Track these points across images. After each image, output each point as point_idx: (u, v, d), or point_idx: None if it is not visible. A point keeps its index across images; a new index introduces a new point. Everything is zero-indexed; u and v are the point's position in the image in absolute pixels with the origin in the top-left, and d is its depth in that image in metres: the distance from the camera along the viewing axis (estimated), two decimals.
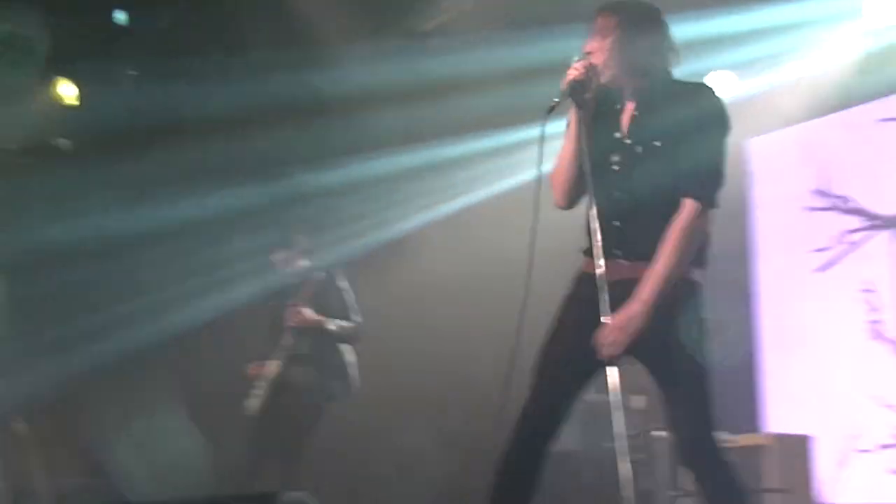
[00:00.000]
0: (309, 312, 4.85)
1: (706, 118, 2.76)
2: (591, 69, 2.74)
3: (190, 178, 5.84)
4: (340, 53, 6.01)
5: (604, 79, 2.78)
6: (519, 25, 5.48)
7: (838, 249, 5.59)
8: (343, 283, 5.09)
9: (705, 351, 2.77)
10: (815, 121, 5.51)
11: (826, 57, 5.27)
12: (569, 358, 2.78)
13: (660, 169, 2.76)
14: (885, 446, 5.06)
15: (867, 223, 5.47)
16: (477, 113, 6.06)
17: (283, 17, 5.86)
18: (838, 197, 5.73)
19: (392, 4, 6.23)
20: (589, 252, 2.76)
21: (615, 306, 2.66)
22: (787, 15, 4.86)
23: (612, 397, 2.60)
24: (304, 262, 5.09)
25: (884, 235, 5.38)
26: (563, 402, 2.82)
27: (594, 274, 2.67)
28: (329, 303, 4.96)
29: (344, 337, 4.96)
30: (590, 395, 5.50)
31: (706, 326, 2.79)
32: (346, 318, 4.97)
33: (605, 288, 2.62)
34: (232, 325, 5.78)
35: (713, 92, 2.82)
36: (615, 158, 2.84)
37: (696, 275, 2.81)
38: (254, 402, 4.90)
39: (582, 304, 2.76)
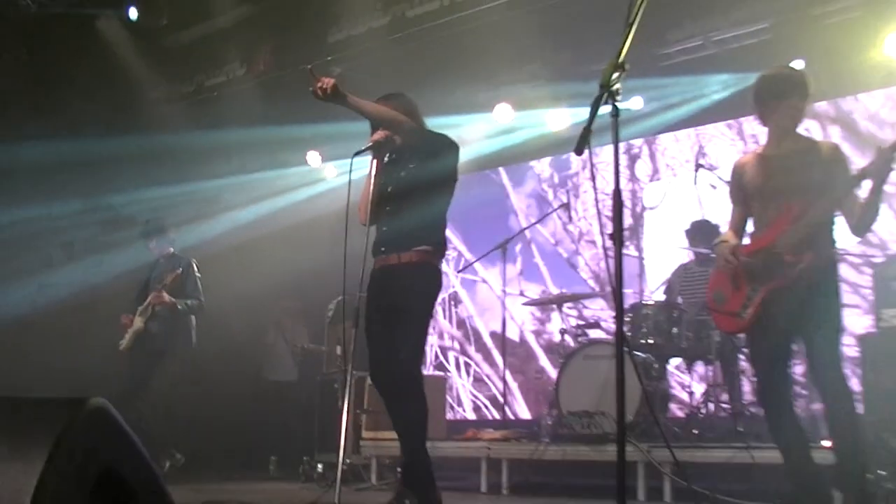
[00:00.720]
0: (167, 297, 6.42)
1: (446, 145, 3.84)
2: (388, 136, 3.76)
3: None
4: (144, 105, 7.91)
5: (397, 141, 3.79)
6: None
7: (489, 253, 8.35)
8: (197, 273, 6.70)
9: (429, 311, 3.75)
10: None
11: (470, 140, 7.83)
12: (374, 324, 3.70)
13: (416, 182, 3.68)
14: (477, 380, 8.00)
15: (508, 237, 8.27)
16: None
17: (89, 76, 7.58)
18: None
19: (187, 65, 8.07)
20: (374, 252, 3.77)
21: (383, 286, 3.66)
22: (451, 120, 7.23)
23: (348, 347, 3.67)
24: (171, 250, 6.83)
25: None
26: (382, 352, 3.70)
27: (379, 267, 3.70)
28: (186, 285, 6.60)
29: (190, 311, 6.63)
30: (307, 344, 7.81)
31: (435, 292, 3.75)
32: (196, 297, 6.64)
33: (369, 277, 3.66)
34: (120, 285, 7.42)
35: (447, 136, 3.91)
36: (390, 187, 3.74)
37: (437, 260, 3.73)
38: (123, 343, 6.56)
39: (374, 288, 3.73)
